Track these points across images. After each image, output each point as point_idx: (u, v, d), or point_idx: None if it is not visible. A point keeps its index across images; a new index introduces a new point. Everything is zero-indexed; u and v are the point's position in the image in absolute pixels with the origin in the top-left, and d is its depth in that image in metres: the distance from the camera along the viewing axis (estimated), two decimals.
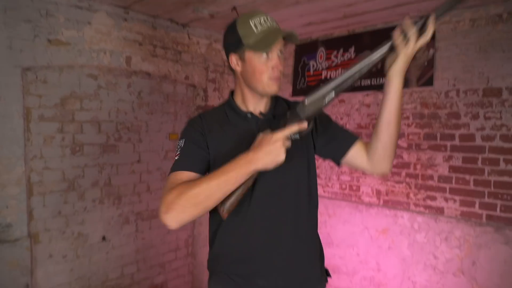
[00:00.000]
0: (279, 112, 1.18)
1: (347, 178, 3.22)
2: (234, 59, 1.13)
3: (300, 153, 1.17)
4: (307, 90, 3.29)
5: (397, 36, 0.99)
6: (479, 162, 2.49)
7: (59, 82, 2.40)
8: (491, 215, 2.44)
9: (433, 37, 2.62)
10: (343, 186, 3.25)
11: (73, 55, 2.34)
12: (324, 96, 1.04)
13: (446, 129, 2.64)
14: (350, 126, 3.18)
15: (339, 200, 3.25)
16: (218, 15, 2.65)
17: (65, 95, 2.44)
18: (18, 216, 2.17)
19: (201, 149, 1.13)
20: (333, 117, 3.30)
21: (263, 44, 1.05)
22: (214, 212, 1.14)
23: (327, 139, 1.21)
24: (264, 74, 1.08)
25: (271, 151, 0.98)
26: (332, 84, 1.03)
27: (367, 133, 3.07)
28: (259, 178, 1.09)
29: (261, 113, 1.17)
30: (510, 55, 2.34)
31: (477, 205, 2.51)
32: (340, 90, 1.04)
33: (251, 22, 1.07)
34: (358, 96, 3.12)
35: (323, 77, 3.27)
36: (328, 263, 3.48)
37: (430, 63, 2.66)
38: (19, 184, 2.17)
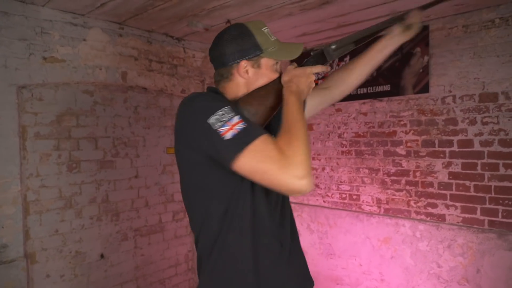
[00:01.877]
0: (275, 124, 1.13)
1: (346, 188, 3.20)
2: (244, 65, 1.05)
3: None
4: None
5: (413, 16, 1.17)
6: (479, 167, 2.47)
7: (55, 99, 2.39)
8: (493, 221, 2.42)
9: (427, 44, 2.65)
10: (343, 195, 3.23)
11: (68, 72, 2.33)
12: (347, 46, 1.18)
13: (444, 135, 2.63)
14: (348, 135, 3.17)
15: (339, 210, 3.22)
16: (212, 28, 2.66)
17: (61, 112, 2.43)
18: (14, 236, 2.14)
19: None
20: (331, 127, 3.34)
21: (285, 53, 1.08)
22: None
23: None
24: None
25: (309, 84, 1.07)
26: (354, 37, 1.17)
27: (365, 141, 3.06)
28: (257, 191, 1.02)
29: None
30: (504, 59, 2.35)
31: (478, 211, 2.48)
32: (359, 44, 1.19)
33: (264, 30, 1.07)
34: (355, 105, 3.12)
35: None
36: (330, 274, 3.44)
37: (425, 70, 2.67)
38: (15, 204, 2.15)
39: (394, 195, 2.90)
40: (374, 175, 3.02)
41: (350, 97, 3.09)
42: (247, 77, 1.06)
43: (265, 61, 1.07)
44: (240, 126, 0.87)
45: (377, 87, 2.93)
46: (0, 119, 2.07)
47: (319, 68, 1.11)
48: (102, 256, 2.62)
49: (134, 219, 2.84)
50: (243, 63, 1.05)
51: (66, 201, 2.45)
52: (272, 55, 1.07)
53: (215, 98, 1.00)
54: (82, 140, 2.54)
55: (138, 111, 2.87)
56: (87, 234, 2.54)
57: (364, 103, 3.06)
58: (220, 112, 0.90)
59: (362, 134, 3.08)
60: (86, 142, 2.56)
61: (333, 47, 1.16)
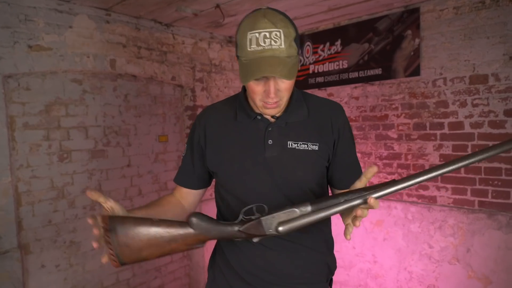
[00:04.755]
0: (293, 119, 1.06)
1: None
2: None
3: None
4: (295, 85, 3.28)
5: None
6: (469, 149, 2.50)
7: (43, 89, 2.35)
8: (483, 202, 2.46)
9: (417, 27, 2.64)
10: None
11: (55, 60, 2.29)
12: (299, 228, 0.86)
13: (435, 118, 2.65)
14: None
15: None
16: (201, 13, 2.62)
17: (50, 101, 2.39)
18: (6, 228, 2.12)
19: (199, 161, 1.13)
20: None
21: (245, 72, 0.92)
22: None
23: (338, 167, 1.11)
24: (257, 96, 0.96)
25: None
26: (308, 220, 0.85)
27: (357, 126, 3.07)
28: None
29: (273, 116, 1.06)
30: (494, 41, 2.35)
31: (469, 192, 2.52)
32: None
33: (248, 35, 0.91)
34: (347, 89, 3.11)
35: (310, 71, 3.26)
36: None
37: (416, 53, 2.66)
38: (6, 195, 2.12)
39: (386, 178, 2.93)
40: (366, 159, 3.04)
41: (341, 82, 3.08)
42: None
43: None
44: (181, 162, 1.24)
45: (368, 70, 2.92)
46: None
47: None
48: None
49: (127, 207, 2.83)
50: None
51: (59, 192, 2.44)
52: (240, 67, 0.96)
53: (191, 129, 1.21)
54: (72, 129, 2.51)
55: (129, 99, 2.84)
56: (81, 224, 2.54)
57: (355, 87, 3.06)
58: (187, 143, 1.21)
59: (354, 118, 3.09)
60: (76, 131, 2.53)
61: (281, 229, 0.85)
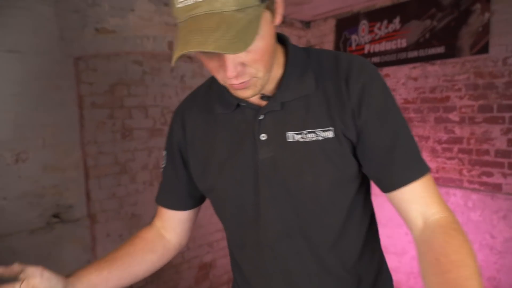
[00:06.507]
0: (291, 96, 0.71)
1: None
2: None
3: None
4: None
5: None
6: None
7: (108, 70, 2.50)
8: None
9: (488, 0, 2.43)
10: None
11: (119, 42, 2.41)
12: None
13: (505, 99, 2.45)
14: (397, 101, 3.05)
15: None
16: None
17: (114, 82, 2.54)
18: (78, 198, 2.32)
19: (183, 170, 0.84)
20: None
21: (175, 45, 0.59)
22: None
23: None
24: (216, 75, 0.65)
25: None
26: None
27: (414, 108, 2.93)
28: None
29: (264, 97, 0.73)
30: None
31: None
32: None
33: None
34: (404, 70, 2.97)
35: (366, 51, 3.14)
36: None
37: (485, 29, 2.46)
38: (77, 168, 2.32)
39: (445, 163, 2.79)
40: (424, 143, 2.91)
41: (399, 62, 2.94)
42: None
43: None
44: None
45: (429, 49, 2.76)
46: (61, 90, 2.21)
47: None
48: None
49: None
50: None
51: (121, 167, 2.61)
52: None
53: (168, 134, 0.92)
54: (134, 109, 2.65)
55: (184, 80, 2.93)
56: (141, 198, 2.71)
57: (414, 67, 2.91)
58: (164, 152, 0.92)
59: (411, 100, 2.95)
60: (137, 111, 2.67)
61: None
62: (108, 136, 2.53)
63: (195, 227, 3.31)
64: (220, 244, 3.27)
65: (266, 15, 0.60)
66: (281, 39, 0.74)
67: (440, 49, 2.70)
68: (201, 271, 3.10)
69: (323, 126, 0.68)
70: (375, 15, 3.06)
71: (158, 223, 0.91)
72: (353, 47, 3.22)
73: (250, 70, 0.62)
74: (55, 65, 2.16)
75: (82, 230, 2.33)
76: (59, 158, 2.22)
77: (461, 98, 2.67)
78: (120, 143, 2.59)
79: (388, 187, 0.70)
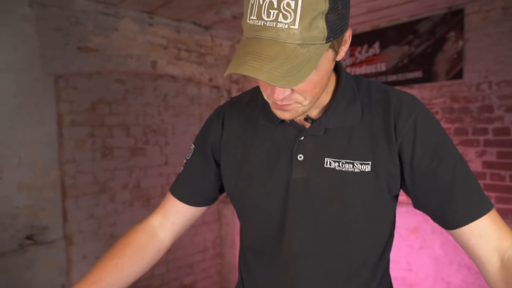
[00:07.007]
0: (336, 124, 0.71)
1: None
2: None
3: None
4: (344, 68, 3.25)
5: None
6: None
7: (89, 88, 2.48)
8: None
9: (461, 28, 2.55)
10: None
11: (102, 61, 2.40)
12: None
13: (479, 123, 2.54)
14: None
15: None
16: (240, 16, 2.66)
17: (95, 100, 2.51)
18: (53, 219, 2.25)
19: (210, 166, 0.85)
20: None
21: (234, 58, 0.58)
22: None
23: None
24: (263, 90, 0.66)
25: None
26: None
27: None
28: None
29: (308, 119, 0.73)
30: None
31: None
32: None
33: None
34: None
35: None
36: None
37: (460, 56, 2.57)
38: (54, 187, 2.25)
39: None
40: None
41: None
42: None
43: None
44: (182, 166, 0.92)
45: (407, 73, 2.85)
46: (40, 107, 2.17)
47: None
48: None
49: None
50: None
51: (101, 186, 2.55)
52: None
53: (203, 127, 0.93)
54: (115, 127, 2.62)
55: (167, 99, 2.93)
56: (120, 218, 2.64)
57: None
58: (192, 145, 0.92)
59: None
60: (118, 129, 2.64)
61: None
62: (88, 155, 2.49)
63: (175, 248, 3.26)
64: (201, 265, 3.20)
65: (329, 53, 0.60)
66: (334, 65, 0.73)
67: (418, 74, 2.80)
68: None
69: (362, 159, 0.69)
70: (356, 40, 3.16)
71: (156, 219, 0.88)
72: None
73: (298, 97, 0.63)
74: (34, 82, 2.12)
75: (57, 252, 2.24)
76: (35, 177, 2.16)
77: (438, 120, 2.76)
78: (99, 162, 2.54)
79: (453, 224, 0.68)
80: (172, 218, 0.88)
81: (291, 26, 0.53)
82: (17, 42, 2.05)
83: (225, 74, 0.58)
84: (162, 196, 2.91)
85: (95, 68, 2.39)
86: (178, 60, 2.82)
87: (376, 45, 2.99)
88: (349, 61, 3.21)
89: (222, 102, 3.27)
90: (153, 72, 2.69)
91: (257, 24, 0.55)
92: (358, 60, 3.14)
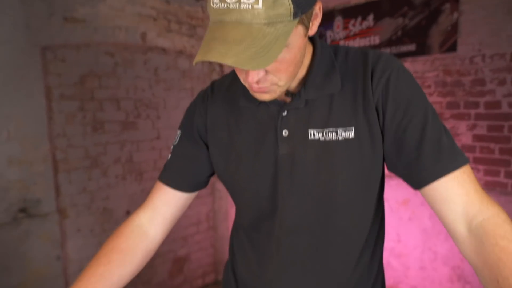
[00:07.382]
0: (316, 94, 0.71)
1: None
2: None
3: None
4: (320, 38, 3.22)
5: None
6: (505, 130, 2.41)
7: (77, 61, 2.42)
8: None
9: (456, 0, 2.50)
10: None
11: (89, 32, 2.34)
12: None
13: (471, 96, 2.55)
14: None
15: None
16: None
17: (84, 73, 2.46)
18: (46, 192, 2.26)
19: (199, 150, 0.84)
20: None
21: (202, 45, 0.57)
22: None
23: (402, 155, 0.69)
24: (239, 74, 0.66)
25: None
26: None
27: None
28: None
29: (288, 93, 0.73)
30: None
31: (502, 174, 2.44)
32: None
33: None
34: None
35: None
36: None
37: (454, 28, 2.54)
38: (45, 161, 2.24)
39: None
40: None
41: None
42: None
43: None
44: (169, 154, 0.94)
45: (401, 46, 2.82)
46: (27, 80, 2.12)
47: None
48: (128, 213, 2.75)
49: (157, 179, 2.93)
50: None
51: (92, 161, 2.55)
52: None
53: (187, 111, 0.91)
54: (105, 101, 2.58)
55: (158, 73, 2.88)
56: (113, 192, 2.66)
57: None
58: (178, 130, 0.90)
59: None
60: (108, 103, 2.60)
61: None
62: (78, 129, 2.47)
63: None
64: (195, 238, 3.26)
65: (298, 29, 0.59)
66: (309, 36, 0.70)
67: (411, 47, 2.77)
68: (175, 265, 3.09)
69: (344, 125, 0.68)
70: (349, 12, 3.10)
71: (144, 215, 0.84)
72: (328, 43, 3.25)
73: (272, 78, 0.63)
74: (20, 54, 2.07)
75: (51, 225, 2.27)
76: (26, 151, 2.15)
77: (430, 94, 2.75)
78: (91, 136, 2.52)
79: (418, 183, 0.67)
80: (163, 210, 0.85)
81: (255, 6, 0.52)
82: (0, 12, 1.98)
83: (194, 63, 0.57)
84: (155, 170, 2.92)
85: (82, 40, 2.33)
86: (168, 32, 2.76)
87: (370, 17, 2.94)
88: (342, 34, 3.16)
89: (214, 75, 3.22)
90: (143, 44, 2.63)
91: (220, 7, 0.54)
92: (351, 33, 3.10)
